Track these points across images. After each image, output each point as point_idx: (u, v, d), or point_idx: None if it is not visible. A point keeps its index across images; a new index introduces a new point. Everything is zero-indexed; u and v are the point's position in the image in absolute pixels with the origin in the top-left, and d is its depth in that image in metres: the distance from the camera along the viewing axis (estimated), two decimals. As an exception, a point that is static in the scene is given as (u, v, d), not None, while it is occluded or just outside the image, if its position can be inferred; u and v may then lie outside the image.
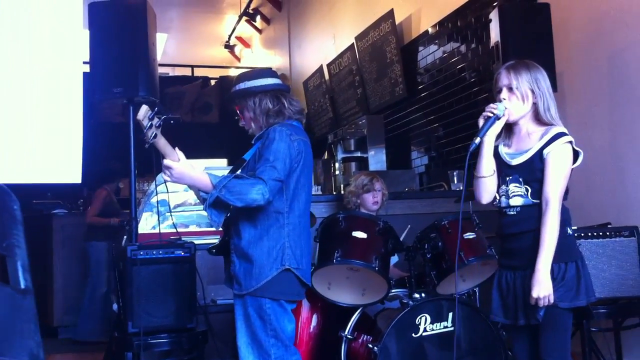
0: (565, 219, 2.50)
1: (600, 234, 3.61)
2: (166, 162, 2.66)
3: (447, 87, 5.86)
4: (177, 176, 2.67)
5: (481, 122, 2.50)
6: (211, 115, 10.32)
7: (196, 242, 3.76)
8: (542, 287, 2.40)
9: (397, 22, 6.60)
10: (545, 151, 2.47)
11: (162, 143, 2.68)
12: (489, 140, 2.52)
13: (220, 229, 2.91)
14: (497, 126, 2.51)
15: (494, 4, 5.00)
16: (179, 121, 8.39)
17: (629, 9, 3.88)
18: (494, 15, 4.15)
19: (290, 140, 2.75)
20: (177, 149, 2.71)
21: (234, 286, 2.80)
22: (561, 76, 4.22)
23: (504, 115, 2.50)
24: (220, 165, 8.24)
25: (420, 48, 6.36)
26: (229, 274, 2.85)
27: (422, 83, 6.34)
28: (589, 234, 3.59)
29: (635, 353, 3.74)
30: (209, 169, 3.04)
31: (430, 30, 6.19)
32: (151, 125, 2.61)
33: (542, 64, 3.95)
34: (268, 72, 2.99)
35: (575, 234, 3.53)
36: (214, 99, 10.37)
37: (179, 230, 4.21)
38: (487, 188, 2.56)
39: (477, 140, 2.47)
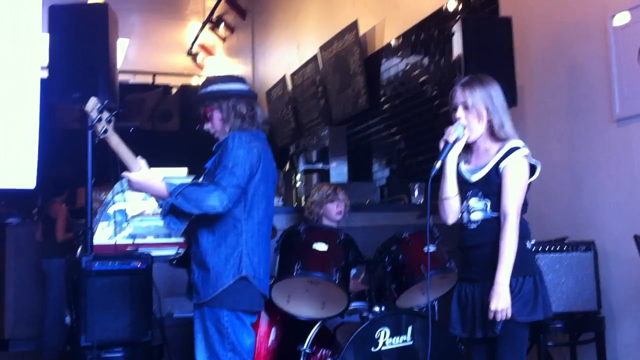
0: (524, 233, 2.52)
1: (558, 248, 3.65)
2: (124, 174, 2.66)
3: (409, 99, 5.88)
4: (135, 187, 2.68)
5: (442, 145, 2.52)
6: (171, 123, 10.20)
7: (154, 253, 3.68)
8: (501, 300, 2.40)
9: (361, 33, 6.61)
10: (501, 165, 2.50)
11: (115, 141, 2.63)
12: (451, 163, 2.54)
13: (182, 239, 2.86)
14: (458, 147, 2.53)
15: (457, 17, 5.04)
16: (138, 129, 8.28)
17: (588, 24, 3.94)
18: (457, 28, 4.17)
19: (250, 147, 2.73)
20: (139, 157, 2.68)
21: (193, 296, 2.75)
22: (522, 89, 4.25)
23: (463, 135, 2.52)
24: (180, 174, 8.13)
25: (384, 60, 6.37)
26: (189, 285, 2.80)
27: (384, 95, 6.35)
28: (547, 248, 3.62)
29: (591, 367, 3.78)
30: (168, 178, 2.98)
31: (393, 42, 6.21)
32: (100, 118, 2.57)
33: (504, 77, 4.03)
34: (240, 78, 2.97)
35: (533, 248, 3.58)
36: (174, 106, 10.26)
37: (136, 241, 4.13)
38: (452, 209, 2.59)
39: (438, 164, 2.49)
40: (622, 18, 3.71)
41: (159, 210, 2.71)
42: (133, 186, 2.68)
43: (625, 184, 3.70)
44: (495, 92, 2.55)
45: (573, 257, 3.63)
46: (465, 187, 2.58)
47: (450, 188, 2.57)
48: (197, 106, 2.92)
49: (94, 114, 2.57)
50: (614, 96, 3.73)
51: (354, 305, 3.39)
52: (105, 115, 2.59)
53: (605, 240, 3.70)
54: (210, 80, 2.97)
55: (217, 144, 2.86)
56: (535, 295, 2.48)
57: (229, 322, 2.69)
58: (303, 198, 6.22)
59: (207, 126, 2.89)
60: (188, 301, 2.84)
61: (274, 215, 2.95)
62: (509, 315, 2.40)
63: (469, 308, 2.56)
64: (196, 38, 11.83)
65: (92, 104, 2.58)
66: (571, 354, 3.81)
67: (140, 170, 2.65)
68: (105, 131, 2.59)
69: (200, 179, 2.81)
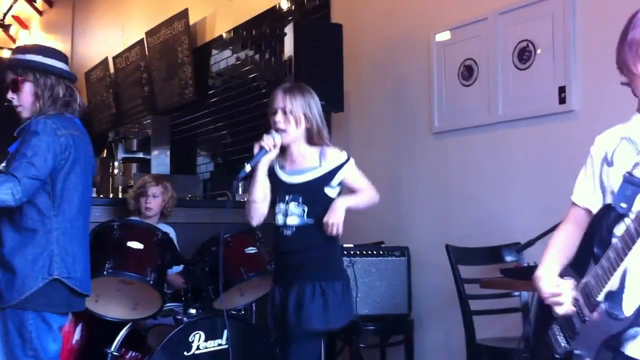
0: (337, 240, 2.63)
1: (374, 252, 3.75)
2: None
3: (238, 94, 5.79)
4: None
5: (256, 149, 2.57)
6: (-25, 97, 9.26)
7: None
8: (336, 215, 2.52)
9: (191, 22, 6.42)
10: (340, 175, 2.60)
11: None
12: (262, 168, 2.60)
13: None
14: (271, 154, 2.59)
15: (289, 18, 5.04)
16: None
17: (414, 39, 4.09)
18: (289, 30, 4.17)
19: (56, 134, 2.47)
20: None
21: None
22: (348, 96, 4.33)
23: (278, 143, 2.57)
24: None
25: (214, 52, 6.24)
26: None
27: (213, 88, 6.22)
28: (364, 252, 3.71)
29: (399, 368, 3.93)
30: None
31: (224, 35, 6.09)
32: None
33: (332, 81, 4.09)
34: (63, 55, 2.70)
35: (352, 251, 3.68)
36: (-20, 80, 9.33)
37: None
38: (258, 212, 2.64)
39: (248, 167, 2.55)
40: (444, 36, 3.89)
41: None
42: None
43: (439, 194, 3.89)
44: (314, 101, 2.66)
45: (388, 261, 3.75)
46: (284, 190, 2.61)
47: (258, 192, 2.61)
48: (6, 70, 2.59)
49: None
50: (434, 110, 3.91)
51: (169, 306, 3.25)
52: None
53: (418, 247, 3.86)
54: (30, 48, 2.66)
55: (19, 128, 2.56)
56: (342, 300, 2.56)
57: (33, 325, 2.43)
58: (120, 188, 5.91)
59: (12, 96, 2.58)
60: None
61: (90, 207, 2.72)
62: (340, 230, 2.52)
63: (280, 310, 2.60)
64: (10, 9, 10.90)
65: None
66: (381, 355, 3.94)
67: None
68: None
69: (1, 165, 2.51)
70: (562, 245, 1.85)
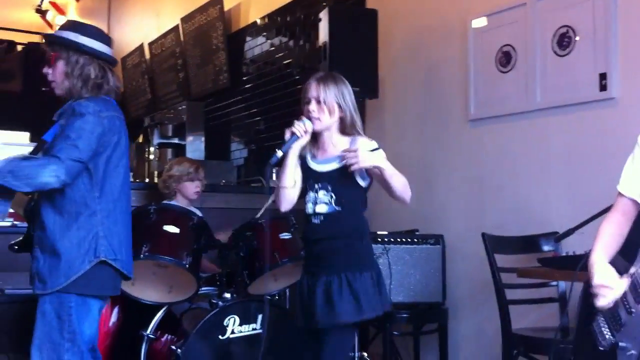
0: (365, 230, 2.60)
1: (408, 240, 3.74)
2: None
3: (272, 81, 5.80)
4: None
5: (287, 135, 2.55)
6: (13, 83, 9.42)
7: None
8: (368, 154, 2.43)
9: (225, 8, 6.43)
10: None
11: None
12: (292, 154, 2.58)
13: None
14: (302, 141, 2.57)
15: (324, 4, 5.01)
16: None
17: (449, 26, 4.04)
18: (323, 15, 4.14)
19: (99, 117, 2.48)
20: None
21: (36, 285, 2.46)
22: (383, 82, 4.30)
23: (310, 130, 2.54)
24: (22, 139, 7.54)
25: (248, 38, 6.24)
26: (32, 274, 2.50)
27: (247, 74, 6.23)
28: (398, 240, 3.70)
29: (432, 357, 3.91)
30: (8, 145, 2.68)
31: (258, 21, 6.09)
32: None
33: (367, 68, 4.06)
34: (106, 37, 2.69)
35: (386, 239, 3.66)
36: (18, 66, 9.48)
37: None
38: (287, 198, 2.62)
39: (280, 153, 2.53)
40: (481, 22, 3.83)
41: None
42: None
43: (474, 182, 3.85)
44: (348, 90, 2.63)
45: (422, 249, 3.74)
46: (314, 179, 2.60)
47: (288, 178, 2.59)
48: (47, 45, 2.61)
49: None
50: (470, 97, 3.86)
51: (204, 290, 3.28)
52: None
53: (452, 235, 3.83)
54: (71, 25, 2.67)
55: (58, 112, 2.57)
56: (373, 291, 2.51)
57: (74, 308, 2.44)
58: (156, 173, 5.97)
59: (47, 70, 2.60)
60: (23, 276, 2.58)
61: (130, 189, 2.71)
62: (359, 163, 2.41)
63: (309, 300, 2.56)
64: (47, -6, 11.04)
65: None
66: (414, 344, 3.94)
67: None
68: None
69: (39, 154, 2.51)
70: (611, 235, 1.82)
